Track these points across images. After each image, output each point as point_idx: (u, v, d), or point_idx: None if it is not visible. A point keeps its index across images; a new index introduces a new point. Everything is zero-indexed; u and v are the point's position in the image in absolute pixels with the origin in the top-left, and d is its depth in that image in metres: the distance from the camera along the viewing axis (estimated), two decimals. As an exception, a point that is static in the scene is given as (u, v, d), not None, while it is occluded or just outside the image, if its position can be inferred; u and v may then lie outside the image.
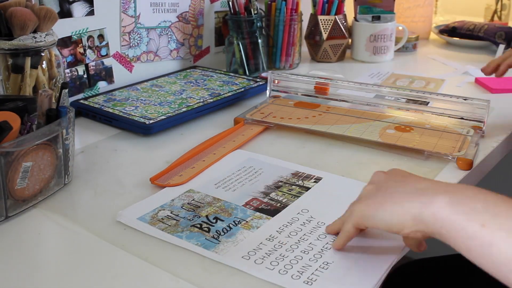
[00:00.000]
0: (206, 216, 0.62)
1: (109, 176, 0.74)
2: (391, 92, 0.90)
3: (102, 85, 1.02)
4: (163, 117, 0.87)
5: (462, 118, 0.85)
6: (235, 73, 1.12)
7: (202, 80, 1.07)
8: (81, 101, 0.95)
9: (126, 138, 0.86)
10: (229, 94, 0.99)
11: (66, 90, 0.69)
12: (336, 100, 0.95)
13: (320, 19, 1.27)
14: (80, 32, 0.96)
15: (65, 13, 0.93)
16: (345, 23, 1.29)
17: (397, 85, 1.11)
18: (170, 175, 0.72)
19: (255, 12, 1.15)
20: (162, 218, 0.61)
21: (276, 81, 0.99)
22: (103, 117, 0.90)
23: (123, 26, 1.04)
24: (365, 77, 1.17)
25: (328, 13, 1.27)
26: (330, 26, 1.27)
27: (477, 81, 1.12)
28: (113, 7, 1.01)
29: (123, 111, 0.90)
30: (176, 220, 0.61)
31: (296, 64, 1.26)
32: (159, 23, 1.10)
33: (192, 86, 1.03)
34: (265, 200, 0.65)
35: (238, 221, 0.61)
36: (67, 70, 0.96)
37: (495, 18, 1.62)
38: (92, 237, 0.60)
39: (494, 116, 0.91)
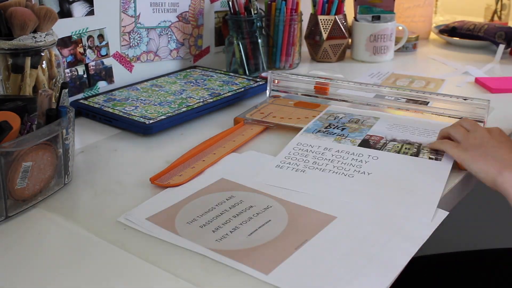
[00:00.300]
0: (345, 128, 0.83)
1: (109, 176, 0.74)
2: (391, 92, 0.90)
3: (102, 85, 1.02)
4: (163, 117, 0.87)
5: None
6: (235, 73, 1.12)
7: (202, 80, 1.07)
8: (81, 101, 0.95)
9: (126, 138, 0.86)
10: (229, 94, 0.99)
11: (66, 90, 0.69)
12: (336, 100, 0.95)
13: (320, 19, 1.27)
14: (80, 32, 0.96)
15: (65, 13, 0.93)
16: (345, 23, 1.29)
17: (397, 85, 1.11)
18: (170, 175, 0.72)
19: (255, 12, 1.15)
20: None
21: (276, 81, 0.99)
22: (103, 117, 0.90)
23: (123, 26, 1.04)
24: (365, 77, 1.17)
25: (328, 13, 1.27)
26: (330, 26, 1.27)
27: (477, 81, 1.12)
28: (113, 7, 1.01)
29: (123, 111, 0.90)
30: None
31: (296, 64, 1.26)
32: (159, 23, 1.10)
33: (192, 86, 1.03)
34: (382, 141, 0.79)
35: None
36: (67, 70, 0.96)
37: (495, 18, 1.62)
38: (92, 237, 0.60)
39: (494, 116, 0.91)
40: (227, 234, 0.59)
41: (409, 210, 0.63)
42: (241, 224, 0.61)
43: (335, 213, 0.63)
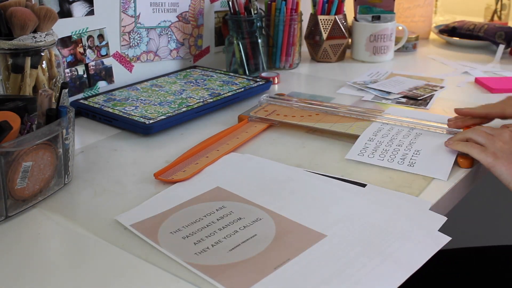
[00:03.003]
0: None
1: (109, 176, 0.74)
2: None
3: (102, 85, 1.02)
4: (163, 117, 0.87)
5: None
6: (235, 73, 1.12)
7: (202, 80, 1.07)
8: (81, 101, 0.95)
9: (126, 138, 0.86)
10: (229, 94, 0.99)
11: (66, 90, 0.70)
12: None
13: (320, 19, 1.27)
14: (80, 32, 0.96)
15: (65, 13, 0.93)
16: (345, 23, 1.29)
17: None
18: (173, 170, 0.72)
19: (255, 12, 1.15)
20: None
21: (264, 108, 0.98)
22: (103, 117, 0.90)
23: (123, 26, 1.04)
24: (365, 77, 1.17)
25: (328, 13, 1.27)
26: (330, 26, 1.27)
27: (477, 81, 1.12)
28: (113, 7, 1.01)
29: (123, 111, 0.90)
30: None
31: (296, 64, 1.26)
32: (159, 23, 1.10)
33: (192, 86, 1.03)
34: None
35: None
36: (67, 70, 0.95)
37: (495, 18, 1.62)
38: (92, 237, 0.60)
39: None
40: (208, 248, 0.56)
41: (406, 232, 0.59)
42: (224, 238, 0.58)
43: (326, 231, 0.58)
